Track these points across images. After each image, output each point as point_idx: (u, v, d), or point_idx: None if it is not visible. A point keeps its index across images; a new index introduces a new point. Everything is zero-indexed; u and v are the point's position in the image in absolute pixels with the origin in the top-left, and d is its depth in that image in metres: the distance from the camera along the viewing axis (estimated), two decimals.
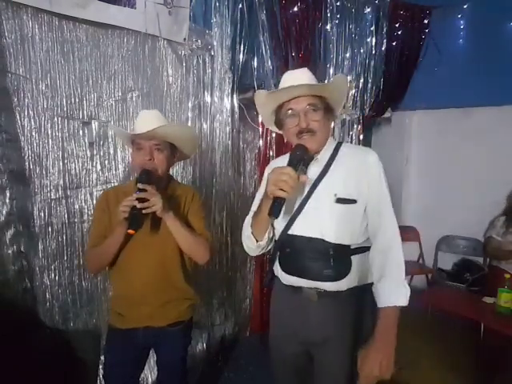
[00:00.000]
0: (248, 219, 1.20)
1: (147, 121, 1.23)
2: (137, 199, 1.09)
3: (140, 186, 1.11)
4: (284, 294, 1.18)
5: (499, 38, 2.87)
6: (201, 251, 1.28)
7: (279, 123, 1.17)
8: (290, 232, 1.12)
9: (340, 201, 1.06)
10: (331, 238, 1.06)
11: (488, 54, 2.89)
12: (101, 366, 1.92)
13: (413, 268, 3.36)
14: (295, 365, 1.22)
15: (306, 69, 1.15)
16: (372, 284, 1.04)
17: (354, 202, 1.06)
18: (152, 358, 1.97)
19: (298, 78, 1.08)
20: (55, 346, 1.72)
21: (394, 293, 0.98)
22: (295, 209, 1.10)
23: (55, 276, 1.76)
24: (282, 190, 0.93)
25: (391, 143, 3.74)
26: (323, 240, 1.06)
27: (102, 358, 1.91)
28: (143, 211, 1.10)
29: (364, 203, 1.07)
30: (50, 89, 1.66)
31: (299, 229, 1.10)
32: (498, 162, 3.10)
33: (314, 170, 1.12)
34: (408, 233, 3.49)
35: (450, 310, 2.34)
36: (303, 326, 1.13)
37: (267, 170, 1.24)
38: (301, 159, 1.03)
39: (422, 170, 3.68)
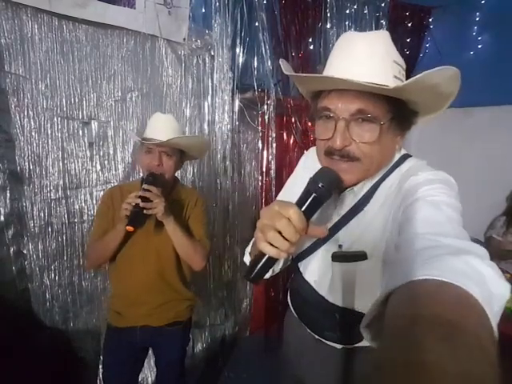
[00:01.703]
0: (251, 243, 0.90)
1: (160, 126, 1.25)
2: (140, 198, 1.10)
3: (145, 186, 1.13)
4: (291, 319, 0.97)
5: (501, 38, 2.86)
6: (197, 258, 1.28)
7: (311, 118, 0.79)
8: (301, 269, 0.87)
9: (342, 258, 0.74)
10: (333, 300, 0.79)
11: (489, 53, 2.89)
12: (101, 366, 1.92)
13: None
14: None
15: (385, 32, 0.66)
16: None
17: (363, 257, 0.72)
18: (152, 358, 1.98)
19: (359, 52, 0.63)
20: (55, 346, 1.72)
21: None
22: (306, 247, 0.80)
23: (55, 276, 1.76)
24: (274, 247, 0.55)
25: None
26: (324, 298, 0.80)
27: (102, 357, 1.91)
28: (144, 211, 1.11)
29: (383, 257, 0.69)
30: (50, 89, 1.66)
31: (308, 273, 0.85)
32: (499, 162, 3.09)
33: (342, 208, 0.77)
34: None
35: None
36: (300, 362, 0.94)
37: (302, 160, 0.94)
38: (324, 196, 0.60)
39: None
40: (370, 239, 0.71)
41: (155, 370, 2.00)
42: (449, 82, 0.63)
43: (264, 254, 0.56)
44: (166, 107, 2.04)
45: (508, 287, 0.40)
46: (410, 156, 0.77)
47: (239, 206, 2.53)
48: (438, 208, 0.56)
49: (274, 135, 2.50)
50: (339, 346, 0.83)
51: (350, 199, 0.75)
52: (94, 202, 1.83)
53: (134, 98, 1.92)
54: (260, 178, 2.63)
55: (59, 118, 1.70)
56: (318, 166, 0.68)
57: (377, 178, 0.73)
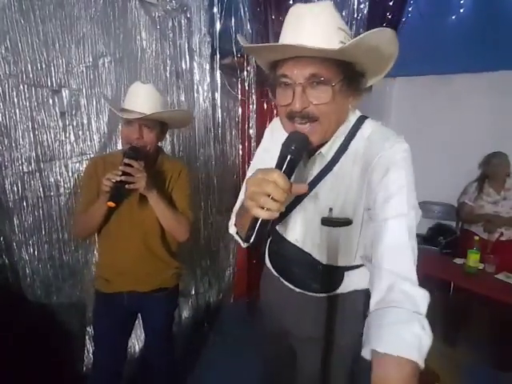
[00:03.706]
0: (235, 208, 0.99)
1: (141, 98, 1.21)
2: (121, 174, 1.09)
3: (126, 161, 1.11)
4: (271, 278, 1.05)
5: (480, 5, 2.84)
6: (180, 230, 1.30)
7: (272, 89, 0.79)
8: (280, 231, 0.94)
9: (331, 223, 0.83)
10: (320, 258, 0.89)
11: (468, 21, 2.87)
12: (87, 337, 1.95)
13: None
14: (277, 344, 1.14)
15: (328, 2, 0.70)
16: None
17: (348, 223, 0.81)
18: (139, 328, 2.02)
19: (306, 23, 0.68)
20: (38, 320, 1.72)
21: (402, 339, 0.58)
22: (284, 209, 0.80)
23: (34, 251, 1.73)
24: (264, 208, 0.59)
25: (371, 111, 3.74)
26: (312, 256, 0.89)
27: (88, 329, 1.94)
28: (126, 186, 1.10)
29: (363, 222, 0.80)
30: (12, 52, 1.53)
31: (288, 233, 0.92)
32: (473, 129, 3.17)
33: (313, 168, 0.84)
34: None
35: (424, 271, 2.47)
36: (284, 316, 1.03)
37: (268, 133, 1.01)
38: (298, 156, 0.66)
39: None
40: (352, 206, 0.81)
41: (142, 338, 2.06)
42: (388, 43, 0.69)
43: (258, 219, 0.61)
44: (141, 73, 1.94)
45: (428, 338, 0.57)
46: (367, 117, 0.84)
47: (220, 175, 2.52)
48: (406, 240, 0.66)
49: (254, 103, 2.45)
50: (320, 295, 0.93)
51: (320, 161, 0.83)
52: (70, 174, 1.77)
53: (106, 64, 1.81)
54: (241, 146, 2.60)
55: (25, 86, 1.59)
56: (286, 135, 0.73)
57: (340, 140, 0.81)
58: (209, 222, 2.50)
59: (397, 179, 0.71)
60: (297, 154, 0.66)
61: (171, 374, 1.57)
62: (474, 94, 3.17)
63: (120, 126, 1.87)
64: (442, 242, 3.21)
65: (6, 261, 1.66)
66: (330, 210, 0.82)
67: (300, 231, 0.90)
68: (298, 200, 0.86)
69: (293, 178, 0.66)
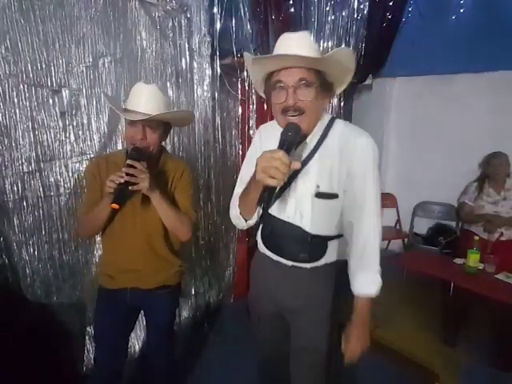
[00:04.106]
0: (235, 196, 1.17)
1: (144, 99, 1.22)
2: (125, 175, 1.10)
3: (129, 162, 1.12)
4: (264, 261, 1.21)
5: (480, 5, 2.83)
6: (183, 230, 1.31)
7: (267, 94, 1.05)
8: (270, 211, 1.12)
9: (321, 195, 1.03)
10: (309, 228, 1.06)
11: (468, 21, 2.87)
12: (87, 337, 1.95)
13: (390, 233, 3.49)
14: (271, 324, 1.27)
15: (306, 33, 0.99)
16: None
17: (335, 196, 1.03)
18: (139, 328, 2.02)
19: (292, 44, 0.94)
20: (39, 320, 1.72)
21: (369, 284, 1.03)
22: (276, 192, 1.02)
23: (34, 251, 1.73)
24: (272, 177, 0.82)
25: (371, 111, 3.75)
26: (301, 229, 1.07)
27: (88, 329, 1.94)
28: (129, 188, 1.11)
29: (347, 198, 1.04)
30: (12, 52, 1.53)
31: (279, 211, 1.10)
32: (473, 129, 3.17)
33: (300, 155, 1.05)
34: (386, 199, 3.59)
35: (424, 271, 2.47)
36: (278, 292, 1.17)
37: (257, 136, 1.23)
38: (294, 141, 0.91)
39: (401, 138, 3.74)
40: (334, 183, 1.03)
41: (142, 338, 2.06)
42: (346, 58, 0.97)
43: (267, 188, 0.85)
44: (141, 73, 1.94)
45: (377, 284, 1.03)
46: (336, 118, 1.10)
47: (220, 175, 2.52)
48: (375, 218, 1.01)
49: (254, 103, 2.45)
50: (309, 266, 1.11)
51: (306, 148, 1.05)
52: (70, 174, 1.77)
53: (106, 64, 1.81)
54: (240, 146, 2.61)
55: (25, 86, 1.59)
56: (275, 135, 0.94)
57: (320, 132, 1.05)
58: (209, 222, 2.50)
59: (368, 164, 1.01)
60: (292, 138, 0.91)
61: (171, 374, 1.57)
62: (474, 94, 3.17)
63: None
64: (442, 242, 3.21)
65: (6, 261, 1.66)
66: (318, 186, 1.03)
67: (291, 209, 1.08)
68: (288, 182, 1.04)
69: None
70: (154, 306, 1.40)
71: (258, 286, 1.27)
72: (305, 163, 1.03)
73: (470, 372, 1.98)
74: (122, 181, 1.09)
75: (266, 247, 1.19)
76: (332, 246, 1.11)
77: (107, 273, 1.37)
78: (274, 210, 1.11)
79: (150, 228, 1.30)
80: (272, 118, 1.09)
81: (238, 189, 1.15)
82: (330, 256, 1.11)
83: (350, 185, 1.02)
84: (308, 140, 1.04)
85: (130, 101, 1.26)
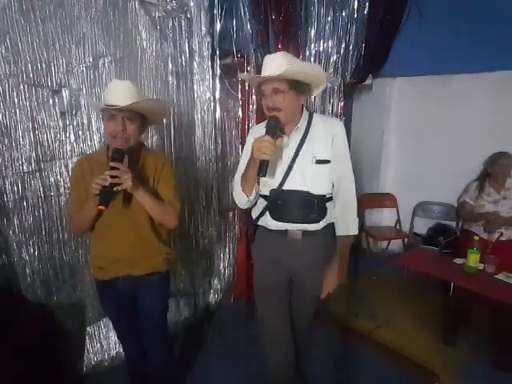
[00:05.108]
0: (237, 178, 1.42)
1: (120, 92, 1.28)
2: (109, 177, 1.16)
3: (112, 164, 1.19)
4: (269, 236, 1.46)
5: (480, 5, 2.83)
6: (168, 219, 1.39)
7: (259, 97, 1.34)
8: (284, 187, 1.39)
9: (319, 162, 1.36)
10: (314, 190, 1.37)
11: (468, 21, 2.87)
12: (87, 337, 1.95)
13: (390, 233, 3.48)
14: (278, 292, 1.50)
15: (282, 53, 1.31)
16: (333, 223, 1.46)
17: (328, 162, 1.37)
18: None
19: (267, 64, 1.30)
20: (39, 320, 1.72)
21: (350, 225, 1.43)
22: (285, 169, 1.36)
23: (34, 251, 1.73)
24: (265, 153, 1.17)
25: (371, 110, 3.75)
26: (308, 192, 1.37)
27: (88, 329, 1.94)
28: (114, 188, 1.18)
29: (334, 163, 1.38)
30: (12, 52, 1.53)
31: (289, 185, 1.38)
32: (474, 129, 3.17)
33: (296, 137, 1.38)
34: (386, 199, 3.58)
35: (424, 271, 2.47)
36: (288, 257, 1.43)
37: (249, 135, 1.50)
38: (275, 127, 1.24)
39: (400, 138, 3.73)
40: (324, 154, 1.36)
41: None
42: (311, 70, 1.34)
43: (262, 161, 1.19)
44: (141, 73, 1.95)
45: (355, 224, 1.46)
46: (314, 112, 1.48)
47: (220, 175, 2.52)
48: (351, 173, 1.43)
49: (254, 103, 2.45)
50: (316, 227, 1.40)
51: (299, 132, 1.38)
52: (70, 174, 1.77)
53: (106, 64, 1.82)
54: (240, 146, 2.60)
55: (25, 86, 1.59)
56: (263, 131, 1.24)
57: (305, 120, 1.39)
58: (208, 223, 2.50)
59: (344, 142, 1.40)
60: (273, 126, 1.24)
61: (170, 374, 1.58)
62: (474, 94, 3.16)
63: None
64: (442, 242, 3.21)
65: (6, 261, 1.66)
66: (315, 156, 1.36)
67: (298, 177, 1.36)
68: (293, 160, 1.36)
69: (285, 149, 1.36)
70: (145, 294, 1.45)
71: (267, 258, 1.49)
72: (302, 142, 1.37)
73: (470, 372, 1.98)
74: (107, 183, 1.15)
75: (276, 219, 1.41)
76: (329, 209, 1.43)
77: (98, 265, 1.42)
78: (285, 186, 1.38)
79: (136, 219, 1.35)
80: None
81: (237, 176, 1.42)
82: (326, 219, 1.42)
83: (333, 153, 1.37)
84: (299, 125, 1.38)
85: (107, 96, 1.30)
